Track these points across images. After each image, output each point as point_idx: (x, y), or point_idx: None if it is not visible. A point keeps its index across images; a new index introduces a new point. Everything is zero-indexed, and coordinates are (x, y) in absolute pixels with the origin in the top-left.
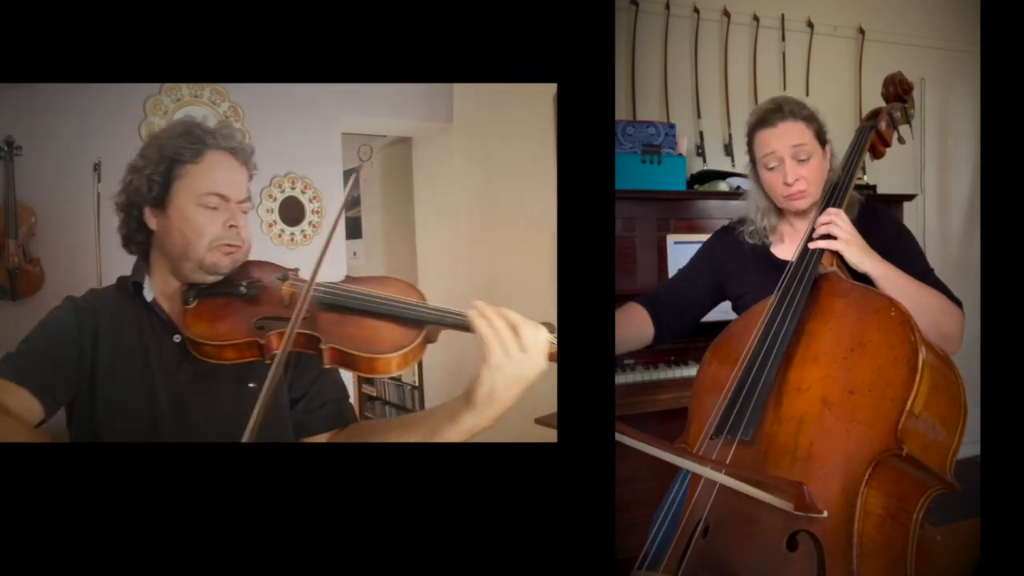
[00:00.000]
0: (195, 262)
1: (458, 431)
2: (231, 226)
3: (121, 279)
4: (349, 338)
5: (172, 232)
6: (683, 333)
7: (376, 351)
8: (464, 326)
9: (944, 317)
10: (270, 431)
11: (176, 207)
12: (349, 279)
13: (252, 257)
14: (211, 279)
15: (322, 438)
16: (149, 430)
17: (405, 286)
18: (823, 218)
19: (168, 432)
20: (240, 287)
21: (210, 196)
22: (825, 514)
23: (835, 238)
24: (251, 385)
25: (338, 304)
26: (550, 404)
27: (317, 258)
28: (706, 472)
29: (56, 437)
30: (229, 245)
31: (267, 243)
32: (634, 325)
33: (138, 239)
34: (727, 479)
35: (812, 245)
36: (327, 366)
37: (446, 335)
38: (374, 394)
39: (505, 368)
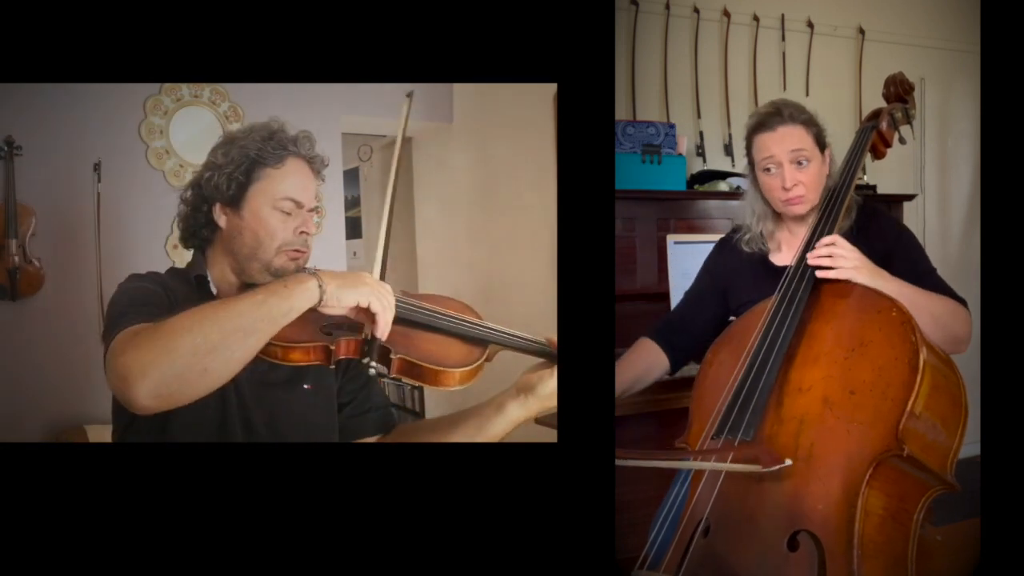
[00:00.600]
0: (263, 264)
1: (505, 422)
2: (302, 232)
3: (175, 270)
4: (418, 350)
5: (244, 232)
6: (699, 353)
7: (444, 365)
8: (529, 350)
9: (955, 322)
10: (319, 431)
11: (251, 208)
12: (405, 293)
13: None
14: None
15: (370, 441)
16: (218, 427)
17: (463, 306)
18: (822, 250)
19: (234, 429)
20: None
21: (286, 201)
22: (789, 462)
23: (841, 265)
24: (306, 387)
25: (405, 317)
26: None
27: (379, 268)
28: (702, 464)
29: (57, 434)
30: (297, 251)
31: None
32: (647, 362)
33: (203, 235)
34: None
35: (820, 275)
36: (393, 375)
37: None
38: None
39: None
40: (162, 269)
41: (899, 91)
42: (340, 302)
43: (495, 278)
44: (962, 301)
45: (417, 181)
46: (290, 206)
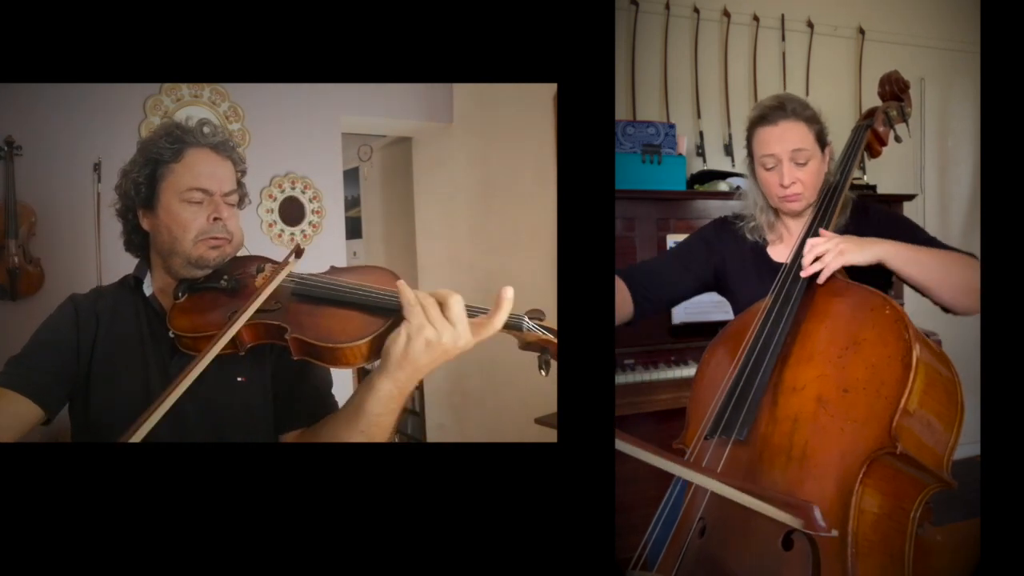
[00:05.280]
0: (183, 257)
1: (376, 398)
2: (215, 219)
3: (126, 277)
4: (314, 328)
5: (161, 230)
6: (659, 312)
7: (338, 341)
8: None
9: (968, 272)
10: (256, 422)
11: (163, 205)
12: (333, 270)
13: (252, 254)
14: (201, 274)
15: (292, 434)
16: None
17: (385, 274)
18: (807, 259)
19: (159, 423)
20: (221, 281)
21: (192, 191)
22: (835, 533)
23: (827, 261)
24: (240, 379)
25: (309, 294)
26: (550, 404)
27: (283, 260)
28: (713, 485)
29: (55, 435)
30: (215, 239)
31: (267, 243)
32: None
33: (136, 242)
34: (738, 494)
35: (805, 273)
36: (296, 358)
37: None
38: None
39: (425, 331)
40: None
41: (894, 89)
42: None
43: (495, 277)
44: (970, 255)
45: (417, 181)
46: (199, 195)
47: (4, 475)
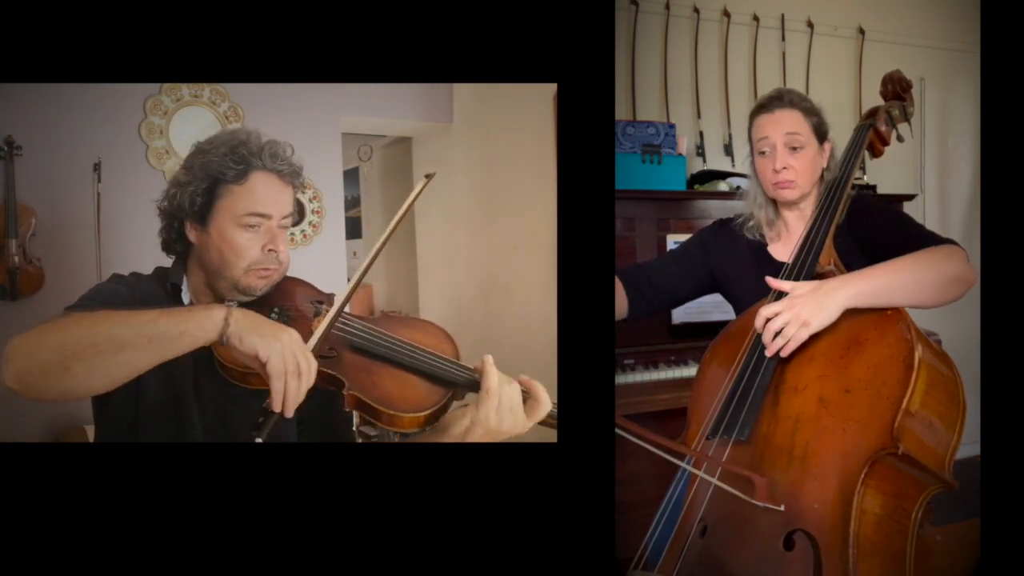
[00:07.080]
0: (230, 282)
1: None
2: (270, 250)
3: (160, 270)
4: (373, 388)
5: (211, 249)
6: (655, 312)
7: (399, 408)
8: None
9: (951, 265)
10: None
11: (216, 226)
12: (384, 315)
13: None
14: (245, 299)
15: None
16: (175, 425)
17: (439, 335)
18: (767, 338)
19: (197, 431)
20: (272, 313)
21: (251, 216)
22: (782, 508)
23: (789, 334)
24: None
25: (367, 349)
26: None
27: (344, 297)
28: (693, 470)
29: (56, 435)
30: (266, 269)
31: None
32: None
33: (177, 248)
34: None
35: (770, 352)
36: (347, 409)
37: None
38: None
39: (489, 420)
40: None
41: (896, 89)
42: (242, 344)
43: (495, 278)
44: (950, 241)
45: (417, 181)
46: (256, 220)
47: (6, 475)
